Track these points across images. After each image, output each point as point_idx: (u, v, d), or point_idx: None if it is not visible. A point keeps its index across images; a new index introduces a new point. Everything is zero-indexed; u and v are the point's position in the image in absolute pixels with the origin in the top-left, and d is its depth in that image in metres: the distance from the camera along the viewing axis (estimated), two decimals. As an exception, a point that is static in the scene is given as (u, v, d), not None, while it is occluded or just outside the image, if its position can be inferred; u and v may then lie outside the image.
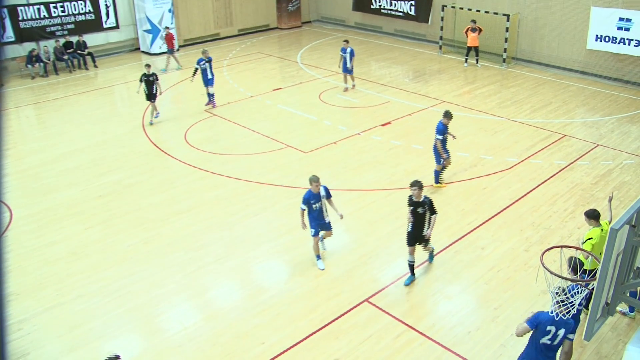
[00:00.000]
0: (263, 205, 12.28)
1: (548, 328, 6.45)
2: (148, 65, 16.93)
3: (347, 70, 19.29)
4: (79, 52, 23.13)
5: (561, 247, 7.99)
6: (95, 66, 23.42)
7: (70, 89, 20.81)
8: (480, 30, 21.50)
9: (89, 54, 23.39)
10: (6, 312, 1.43)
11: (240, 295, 9.60)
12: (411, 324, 8.71)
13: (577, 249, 7.73)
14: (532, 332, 6.54)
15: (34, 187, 13.38)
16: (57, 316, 9.07)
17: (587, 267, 7.61)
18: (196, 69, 17.64)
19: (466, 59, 22.32)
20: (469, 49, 22.00)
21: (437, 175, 12.69)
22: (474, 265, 10.13)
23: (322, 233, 10.17)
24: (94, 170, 14.11)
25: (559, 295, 6.85)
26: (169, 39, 22.78)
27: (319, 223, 9.92)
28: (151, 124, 16.99)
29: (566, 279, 6.80)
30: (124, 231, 11.46)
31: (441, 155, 12.29)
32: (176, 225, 11.63)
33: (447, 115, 12.12)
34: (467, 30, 21.80)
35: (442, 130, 12.08)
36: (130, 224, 11.72)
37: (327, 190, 9.89)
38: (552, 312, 6.73)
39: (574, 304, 6.83)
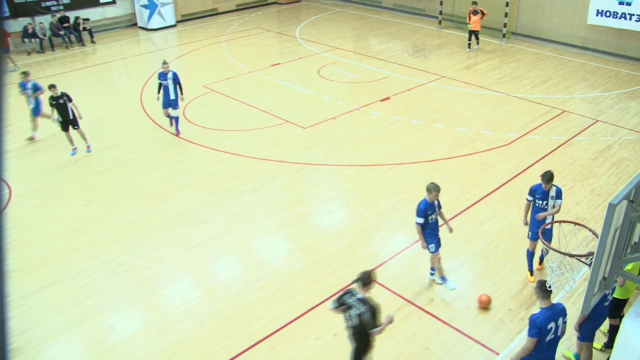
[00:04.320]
0: (262, 181, 12.31)
1: (549, 326, 6.19)
2: (53, 86, 13.24)
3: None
4: (81, 25, 22.83)
5: (560, 222, 8.05)
6: (93, 42, 23.22)
7: (67, 65, 20.67)
8: (482, 13, 20.19)
9: (84, 28, 23.14)
10: (6, 298, 1.43)
11: (240, 271, 9.68)
12: (410, 299, 8.79)
13: (575, 224, 7.78)
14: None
15: (33, 163, 13.38)
16: (60, 291, 9.15)
17: (617, 295, 7.35)
18: (159, 85, 14.05)
19: (469, 44, 20.87)
20: (470, 33, 20.65)
21: (530, 258, 9.28)
22: (473, 240, 10.20)
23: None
24: (93, 146, 14.06)
25: (556, 270, 6.93)
26: (3, 36, 21.19)
27: (437, 236, 8.72)
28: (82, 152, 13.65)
29: (564, 253, 6.86)
30: (125, 207, 11.49)
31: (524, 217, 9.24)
32: (176, 201, 11.67)
33: (545, 177, 8.63)
34: (469, 14, 20.54)
35: (532, 191, 8.89)
36: (130, 200, 11.75)
37: (438, 199, 8.68)
38: (549, 287, 6.80)
39: (574, 279, 6.90)
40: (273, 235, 10.66)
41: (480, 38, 21.44)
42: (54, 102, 13.17)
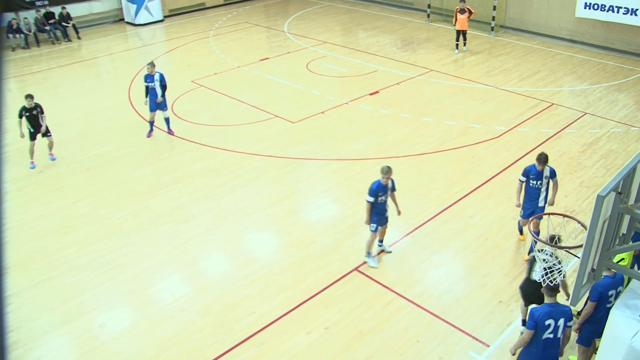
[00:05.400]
0: (251, 176, 12.27)
1: (547, 322, 6.25)
2: (30, 97, 12.73)
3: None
4: (63, 23, 22.62)
5: (549, 214, 8.08)
6: (79, 37, 23.00)
7: (54, 61, 20.47)
8: (470, 12, 19.44)
9: (67, 23, 22.89)
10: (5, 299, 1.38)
11: (230, 266, 9.65)
12: (400, 292, 8.80)
13: (564, 216, 7.81)
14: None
15: (19, 161, 13.22)
16: (48, 290, 9.07)
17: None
18: (146, 88, 13.74)
19: (457, 45, 20.07)
20: (458, 33, 19.82)
21: (520, 228, 10.01)
22: (463, 233, 10.22)
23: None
24: (81, 143, 13.97)
25: (546, 262, 6.95)
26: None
27: (381, 217, 9.17)
28: (53, 159, 13.28)
29: (553, 246, 6.89)
30: (113, 204, 11.41)
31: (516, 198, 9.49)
32: (165, 197, 11.60)
33: (540, 159, 8.96)
34: (455, 13, 19.59)
35: (526, 172, 9.18)
36: (118, 196, 11.67)
37: (393, 182, 9.08)
38: (539, 279, 6.82)
39: (561, 271, 6.93)
40: (262, 230, 10.63)
41: (468, 31, 20.95)
42: (26, 114, 12.63)
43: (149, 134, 14.20)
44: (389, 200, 9.18)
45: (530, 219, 8.80)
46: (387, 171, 8.81)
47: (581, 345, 7.13)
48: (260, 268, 9.46)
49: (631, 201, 5.65)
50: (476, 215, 10.74)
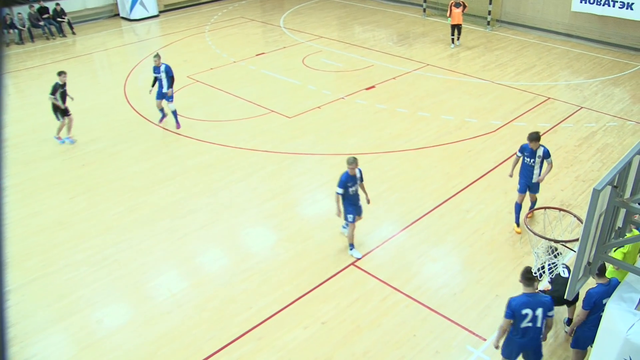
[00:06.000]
0: (248, 171, 12.26)
1: (524, 311, 6.26)
2: (63, 73, 13.26)
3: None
4: (57, 19, 22.53)
5: (545, 208, 8.11)
6: (73, 33, 22.89)
7: (48, 57, 20.38)
8: (464, 5, 19.51)
9: (64, 19, 22.80)
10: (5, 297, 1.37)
11: (227, 261, 9.65)
12: (397, 287, 8.82)
13: (561, 210, 7.83)
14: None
15: (15, 157, 13.19)
16: (45, 286, 9.06)
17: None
18: (155, 79, 13.88)
19: (452, 39, 20.02)
20: (453, 27, 19.77)
21: (517, 210, 10.15)
22: (459, 228, 10.24)
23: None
24: (77, 139, 13.92)
25: (542, 257, 6.98)
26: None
27: (356, 207, 9.31)
28: (71, 142, 13.79)
29: (549, 239, 6.92)
30: (109, 200, 11.39)
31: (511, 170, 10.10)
32: (161, 192, 11.58)
33: (530, 137, 9.49)
34: (450, 7, 19.55)
35: (522, 149, 9.73)
36: (115, 192, 11.65)
37: (360, 172, 9.16)
38: (536, 273, 6.84)
39: (557, 265, 6.96)
40: (259, 225, 10.63)
41: (464, 26, 20.86)
42: (62, 90, 13.19)
43: (161, 120, 14.45)
44: (360, 191, 9.34)
45: (527, 214, 8.82)
46: (352, 162, 8.92)
47: (577, 349, 7.11)
48: (257, 263, 9.47)
49: (627, 195, 5.67)
50: (472, 210, 10.75)
